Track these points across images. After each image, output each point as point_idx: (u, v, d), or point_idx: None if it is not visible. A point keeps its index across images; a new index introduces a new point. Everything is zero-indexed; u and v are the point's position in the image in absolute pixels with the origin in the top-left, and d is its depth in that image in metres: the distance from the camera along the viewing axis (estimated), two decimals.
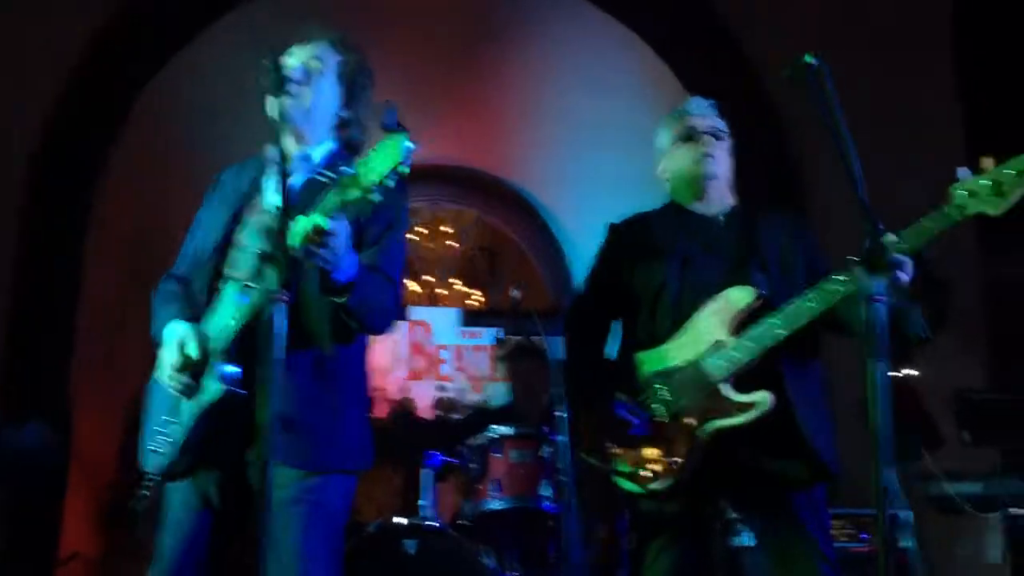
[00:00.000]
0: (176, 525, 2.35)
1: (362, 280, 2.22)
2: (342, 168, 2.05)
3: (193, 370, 2.28)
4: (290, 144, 2.45)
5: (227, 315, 2.29)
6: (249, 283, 2.25)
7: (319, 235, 2.04)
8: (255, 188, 2.48)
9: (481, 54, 6.43)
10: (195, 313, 2.37)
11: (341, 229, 2.08)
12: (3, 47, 5.07)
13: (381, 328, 2.43)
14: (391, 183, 1.97)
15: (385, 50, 6.05)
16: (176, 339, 2.29)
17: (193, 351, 2.27)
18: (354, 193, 2.00)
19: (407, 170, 1.96)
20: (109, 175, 5.28)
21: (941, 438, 4.25)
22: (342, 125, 2.55)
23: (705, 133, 2.79)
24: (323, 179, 2.31)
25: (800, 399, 2.50)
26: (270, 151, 2.46)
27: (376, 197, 2.00)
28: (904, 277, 2.26)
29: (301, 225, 2.06)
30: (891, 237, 2.23)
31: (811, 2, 5.36)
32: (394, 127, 1.95)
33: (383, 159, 1.96)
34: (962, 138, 5.14)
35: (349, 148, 2.55)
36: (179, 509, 2.36)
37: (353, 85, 2.55)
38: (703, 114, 2.85)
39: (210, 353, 2.28)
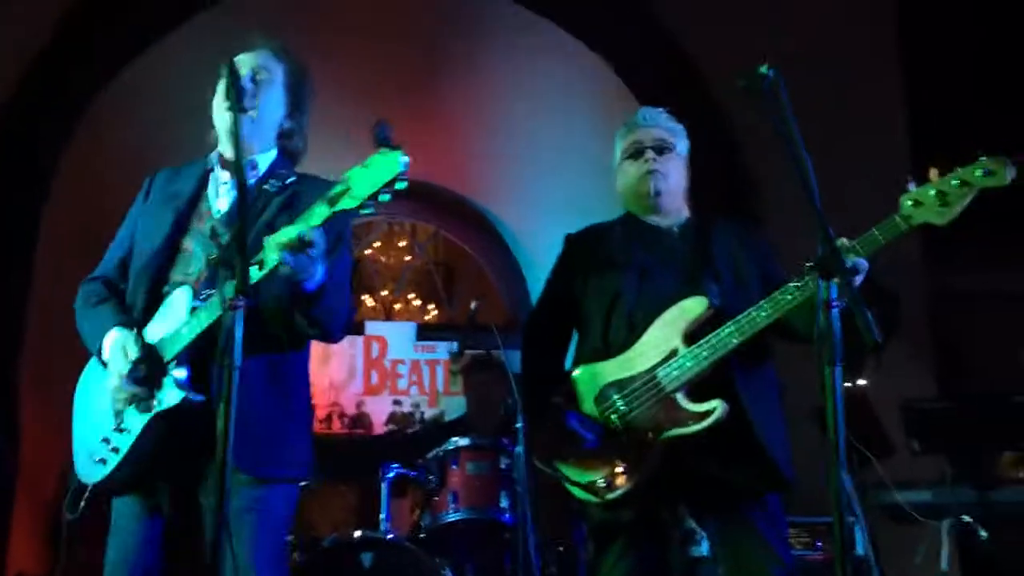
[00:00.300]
0: (125, 535, 2.32)
1: (326, 288, 2.23)
2: (334, 179, 2.07)
3: (142, 378, 2.24)
4: (229, 151, 2.45)
5: (177, 322, 2.26)
6: (206, 291, 2.24)
7: (303, 246, 2.06)
8: (199, 193, 2.48)
9: (443, 71, 6.45)
10: (129, 318, 2.35)
11: (320, 239, 2.09)
12: None
13: (338, 335, 2.43)
14: (387, 197, 2.00)
15: (347, 63, 6.10)
16: (121, 346, 2.27)
17: (136, 354, 2.24)
18: (348, 203, 2.02)
19: (404, 185, 1.99)
20: (59, 180, 5.21)
21: (891, 447, 4.31)
22: (286, 135, 2.55)
23: (649, 147, 2.80)
24: (273, 188, 2.36)
25: (755, 408, 2.53)
26: (215, 156, 2.50)
27: (369, 210, 2.03)
28: (858, 280, 2.31)
29: (284, 235, 2.06)
30: (844, 242, 2.28)
31: (760, 14, 5.46)
32: (388, 142, 1.97)
33: (378, 173, 1.98)
34: (908, 147, 5.27)
35: (289, 156, 2.56)
36: (128, 519, 2.33)
37: (298, 95, 2.57)
38: (650, 125, 2.86)
39: (160, 361, 2.25)
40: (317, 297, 2.21)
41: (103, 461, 2.29)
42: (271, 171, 2.49)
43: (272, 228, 2.24)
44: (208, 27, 5.19)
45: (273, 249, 2.07)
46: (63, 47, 5.19)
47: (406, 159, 1.97)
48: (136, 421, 2.26)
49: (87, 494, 2.32)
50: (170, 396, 2.22)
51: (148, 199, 2.53)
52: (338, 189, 2.03)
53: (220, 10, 5.27)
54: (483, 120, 6.84)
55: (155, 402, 2.24)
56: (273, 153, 2.53)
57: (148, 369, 2.24)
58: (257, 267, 2.10)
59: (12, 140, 5.10)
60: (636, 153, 2.83)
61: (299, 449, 2.40)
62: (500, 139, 6.90)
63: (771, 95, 2.08)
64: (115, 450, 2.28)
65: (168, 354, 2.25)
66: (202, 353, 2.19)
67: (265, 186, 2.44)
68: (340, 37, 5.93)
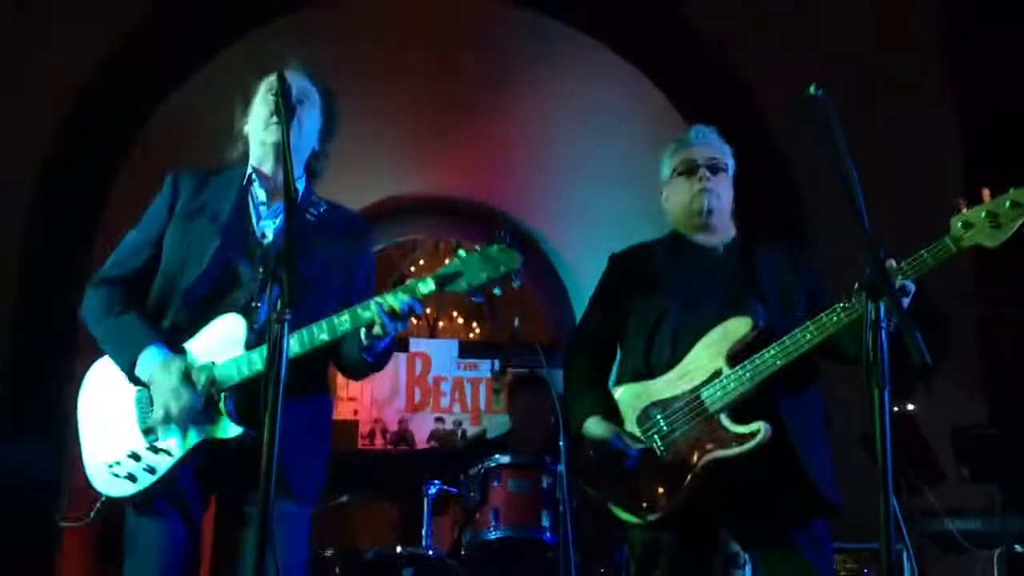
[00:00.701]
0: (148, 548, 2.30)
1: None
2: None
3: (202, 409, 2.25)
4: (267, 166, 2.47)
5: (227, 351, 2.27)
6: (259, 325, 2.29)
7: (407, 316, 2.20)
8: (240, 211, 2.46)
9: (488, 90, 6.49)
10: (162, 334, 2.33)
11: (419, 310, 2.22)
12: (10, 73, 5.12)
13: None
14: (498, 291, 2.15)
15: (394, 84, 6.17)
16: (182, 373, 2.24)
17: (202, 386, 2.24)
18: (457, 287, 2.15)
19: (519, 283, 2.17)
20: (115, 197, 5.31)
21: (941, 474, 4.23)
22: (315, 157, 2.58)
23: (703, 166, 2.78)
24: (312, 218, 2.46)
25: (797, 430, 2.50)
26: (251, 172, 2.49)
27: (477, 297, 2.17)
28: (905, 302, 2.28)
29: (392, 301, 2.17)
30: (892, 264, 2.25)
31: (809, 34, 5.42)
32: (507, 240, 2.15)
33: (495, 265, 2.14)
34: (959, 167, 5.19)
35: (311, 179, 2.59)
36: (151, 532, 2.31)
37: (330, 120, 2.59)
38: (702, 144, 2.84)
39: (216, 390, 2.26)
40: (388, 349, 2.36)
41: (132, 478, 2.27)
42: (306, 197, 2.51)
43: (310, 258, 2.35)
44: (254, 51, 5.27)
45: (374, 309, 2.17)
46: (112, 72, 5.31)
47: (522, 258, 2.11)
48: (177, 444, 2.26)
49: (99, 504, 2.31)
50: (229, 429, 2.24)
51: (175, 208, 2.47)
52: (450, 270, 2.15)
53: (268, 32, 5.35)
54: (527, 138, 6.86)
55: (208, 431, 2.25)
56: (303, 177, 2.54)
57: (206, 400, 2.25)
58: (348, 321, 2.21)
59: (66, 163, 5.20)
60: (689, 171, 2.80)
61: (323, 476, 2.46)
62: (543, 157, 6.91)
63: (820, 115, 2.06)
64: (150, 470, 2.26)
65: (222, 384, 2.26)
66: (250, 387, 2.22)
67: (307, 215, 2.47)
68: (387, 58, 6.01)
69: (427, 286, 2.19)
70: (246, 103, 2.54)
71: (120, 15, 5.29)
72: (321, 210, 2.51)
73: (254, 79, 2.54)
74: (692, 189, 2.77)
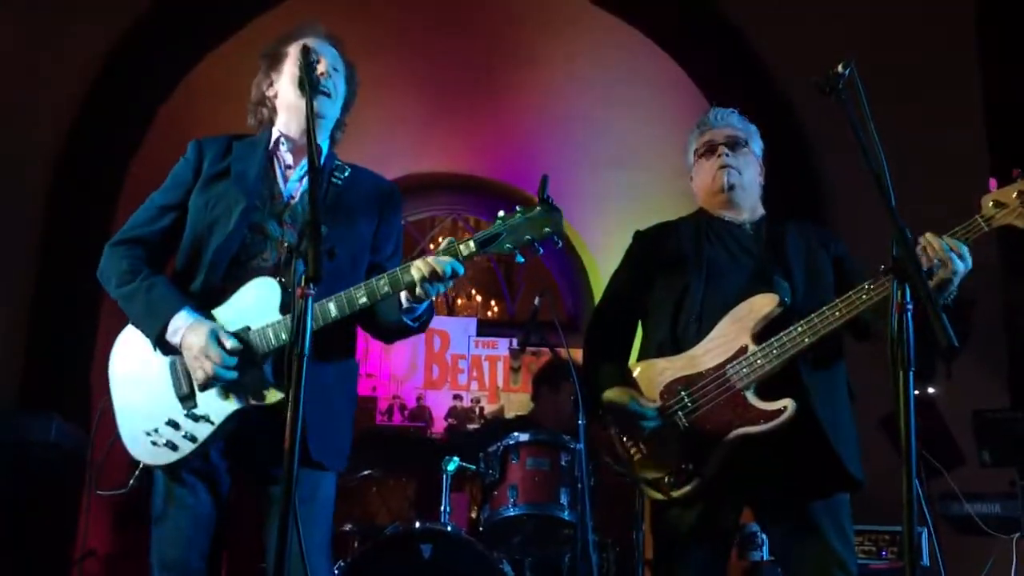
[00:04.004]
0: (183, 511, 2.32)
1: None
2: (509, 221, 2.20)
3: (236, 372, 2.25)
4: (294, 131, 2.48)
5: (263, 315, 2.28)
6: (295, 287, 2.28)
7: (451, 277, 2.18)
8: (266, 175, 2.47)
9: (506, 65, 6.46)
10: (192, 301, 2.32)
11: (460, 272, 2.22)
12: (24, 62, 5.14)
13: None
14: (540, 251, 2.17)
15: (410, 58, 6.15)
16: (214, 337, 2.23)
17: (235, 348, 2.24)
18: (499, 248, 2.17)
19: (560, 243, 2.20)
20: (130, 180, 5.33)
21: (961, 457, 4.22)
22: (338, 126, 2.60)
23: (722, 144, 2.79)
24: (338, 180, 2.47)
25: (823, 407, 2.50)
26: (278, 136, 2.50)
27: (519, 258, 2.21)
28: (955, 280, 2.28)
29: (435, 264, 2.16)
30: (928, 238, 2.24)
31: (834, 14, 5.37)
32: (550, 199, 2.18)
33: (538, 227, 2.16)
34: (986, 147, 5.14)
35: (333, 145, 2.60)
36: (187, 497, 2.32)
37: (351, 90, 2.60)
38: (722, 124, 2.85)
39: (254, 356, 2.27)
40: (429, 311, 2.38)
41: (173, 446, 2.28)
42: (330, 160, 2.53)
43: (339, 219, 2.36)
44: (271, 28, 5.26)
45: (416, 274, 2.17)
46: (131, 50, 5.32)
47: (563, 219, 2.14)
48: (217, 410, 2.27)
49: (138, 471, 2.33)
50: (270, 395, 2.24)
51: (201, 171, 2.46)
52: (492, 232, 2.15)
53: (284, 10, 5.34)
54: (546, 115, 6.83)
55: (248, 397, 2.26)
56: (326, 142, 2.56)
57: (241, 363, 2.25)
58: (388, 285, 2.20)
59: (83, 145, 5.23)
60: (709, 151, 2.82)
61: (348, 441, 2.47)
62: (563, 135, 6.88)
63: (847, 94, 2.04)
64: (191, 438, 2.27)
65: (260, 349, 2.27)
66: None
67: (332, 179, 2.48)
68: (405, 35, 5.99)
69: (468, 248, 2.19)
70: (271, 68, 2.54)
71: None
72: (346, 174, 2.52)
73: (281, 44, 2.54)
74: (712, 167, 2.78)
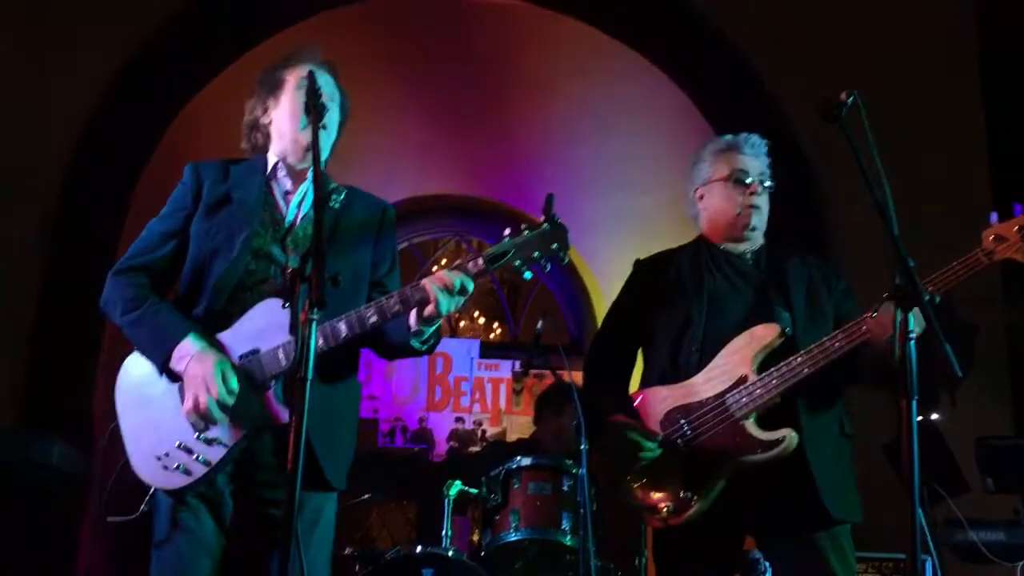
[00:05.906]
0: (189, 535, 2.30)
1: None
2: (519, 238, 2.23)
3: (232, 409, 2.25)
4: (292, 158, 2.48)
5: (272, 338, 2.28)
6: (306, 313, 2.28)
7: (461, 293, 2.20)
8: (265, 201, 2.47)
9: (512, 91, 6.49)
10: (196, 326, 2.32)
11: (471, 288, 2.24)
12: (40, 63, 5.18)
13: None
14: (548, 268, 2.20)
15: (419, 85, 6.18)
16: (219, 371, 2.23)
17: (235, 386, 2.24)
18: (506, 263, 2.19)
19: (566, 260, 2.22)
20: (138, 196, 5.35)
21: (965, 484, 4.20)
22: (330, 151, 2.60)
23: (757, 181, 2.74)
24: (336, 204, 2.48)
25: (813, 443, 2.49)
26: (275, 163, 2.50)
27: (527, 275, 2.24)
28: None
29: (447, 279, 2.18)
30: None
31: (836, 41, 5.39)
32: (556, 217, 2.21)
33: (544, 244, 2.19)
34: (988, 180, 5.15)
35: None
36: (192, 519, 2.31)
37: (344, 116, 2.60)
38: (756, 155, 2.78)
39: (259, 377, 2.27)
40: (437, 334, 2.39)
41: (186, 471, 2.26)
42: (325, 184, 2.52)
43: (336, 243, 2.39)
44: (280, 50, 5.29)
45: (429, 284, 2.19)
46: (138, 73, 5.35)
47: (569, 236, 2.17)
48: (228, 433, 2.26)
49: (148, 496, 2.31)
50: (282, 415, 2.25)
51: (201, 197, 2.46)
52: (500, 249, 2.18)
53: (294, 34, 5.37)
54: (550, 139, 6.86)
55: (259, 419, 2.26)
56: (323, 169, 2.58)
57: (251, 387, 2.26)
58: (399, 303, 2.22)
59: (91, 164, 5.25)
60: (738, 181, 2.75)
61: (349, 461, 2.47)
62: (566, 158, 6.91)
63: (851, 123, 2.05)
64: (205, 463, 2.26)
65: (270, 371, 2.27)
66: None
67: (330, 203, 2.49)
68: (410, 58, 6.03)
69: (477, 264, 2.21)
70: (269, 94, 2.53)
71: (149, 12, 5.34)
72: (342, 196, 2.53)
73: (279, 70, 2.54)
74: (741, 202, 2.72)
